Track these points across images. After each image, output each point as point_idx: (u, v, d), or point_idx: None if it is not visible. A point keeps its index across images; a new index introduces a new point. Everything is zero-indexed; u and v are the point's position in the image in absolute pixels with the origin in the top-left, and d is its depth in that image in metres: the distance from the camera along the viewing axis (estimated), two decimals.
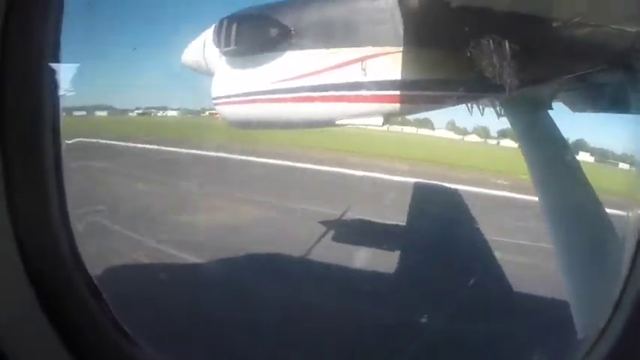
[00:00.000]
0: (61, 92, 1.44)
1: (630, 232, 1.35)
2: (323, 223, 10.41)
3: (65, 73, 1.50)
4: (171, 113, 22.58)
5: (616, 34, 3.16)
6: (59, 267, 1.43)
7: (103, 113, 19.99)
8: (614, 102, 4.20)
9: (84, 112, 17.06)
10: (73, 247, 1.46)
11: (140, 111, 23.02)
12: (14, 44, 1.28)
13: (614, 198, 4.24)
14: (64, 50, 1.45)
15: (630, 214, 1.57)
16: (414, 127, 26.07)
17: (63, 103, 1.46)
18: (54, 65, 1.40)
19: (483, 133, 24.11)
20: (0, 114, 1.28)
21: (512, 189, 14.88)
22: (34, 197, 1.37)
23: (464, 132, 26.36)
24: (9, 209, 1.29)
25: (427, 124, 26.17)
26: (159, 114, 23.07)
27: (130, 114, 22.38)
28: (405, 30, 3.74)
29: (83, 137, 13.47)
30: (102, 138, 16.53)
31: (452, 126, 26.51)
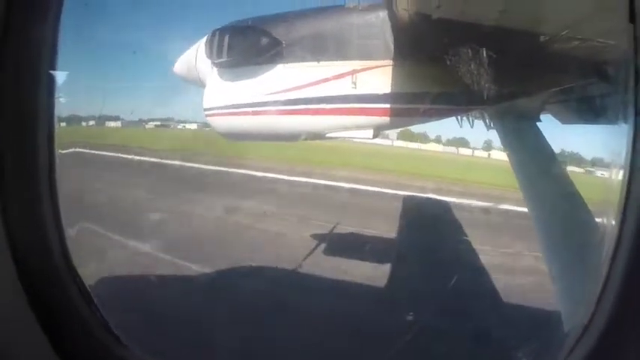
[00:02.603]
0: (56, 98, 1.45)
1: (609, 235, 1.41)
2: (314, 236, 10.40)
3: (63, 78, 1.51)
4: (190, 126, 21.87)
5: (602, 47, 3.22)
6: (51, 271, 1.44)
7: (117, 124, 19.35)
8: (601, 114, 4.27)
9: (92, 122, 16.45)
10: (65, 252, 1.47)
11: (158, 123, 22.46)
12: (10, 49, 1.29)
13: (592, 204, 4.33)
14: (68, 57, 1.45)
15: (606, 219, 1.65)
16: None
17: (73, 111, 1.47)
18: (50, 71, 1.40)
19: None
20: None
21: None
22: (27, 202, 1.39)
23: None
24: (2, 214, 1.31)
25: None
26: (179, 127, 22.53)
27: (147, 125, 21.77)
28: (395, 44, 3.79)
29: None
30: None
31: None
